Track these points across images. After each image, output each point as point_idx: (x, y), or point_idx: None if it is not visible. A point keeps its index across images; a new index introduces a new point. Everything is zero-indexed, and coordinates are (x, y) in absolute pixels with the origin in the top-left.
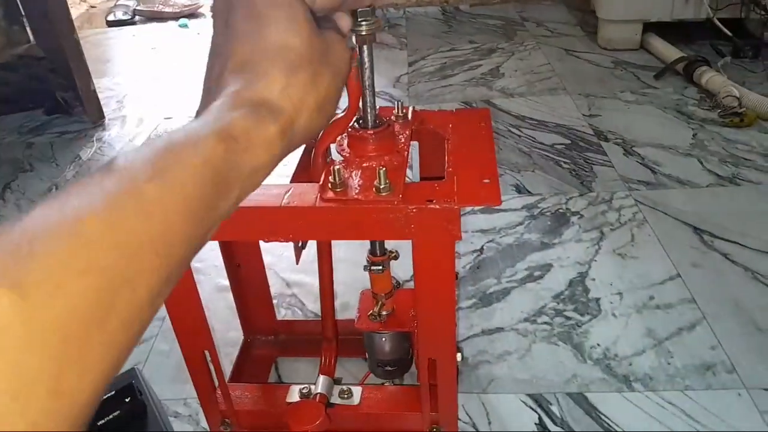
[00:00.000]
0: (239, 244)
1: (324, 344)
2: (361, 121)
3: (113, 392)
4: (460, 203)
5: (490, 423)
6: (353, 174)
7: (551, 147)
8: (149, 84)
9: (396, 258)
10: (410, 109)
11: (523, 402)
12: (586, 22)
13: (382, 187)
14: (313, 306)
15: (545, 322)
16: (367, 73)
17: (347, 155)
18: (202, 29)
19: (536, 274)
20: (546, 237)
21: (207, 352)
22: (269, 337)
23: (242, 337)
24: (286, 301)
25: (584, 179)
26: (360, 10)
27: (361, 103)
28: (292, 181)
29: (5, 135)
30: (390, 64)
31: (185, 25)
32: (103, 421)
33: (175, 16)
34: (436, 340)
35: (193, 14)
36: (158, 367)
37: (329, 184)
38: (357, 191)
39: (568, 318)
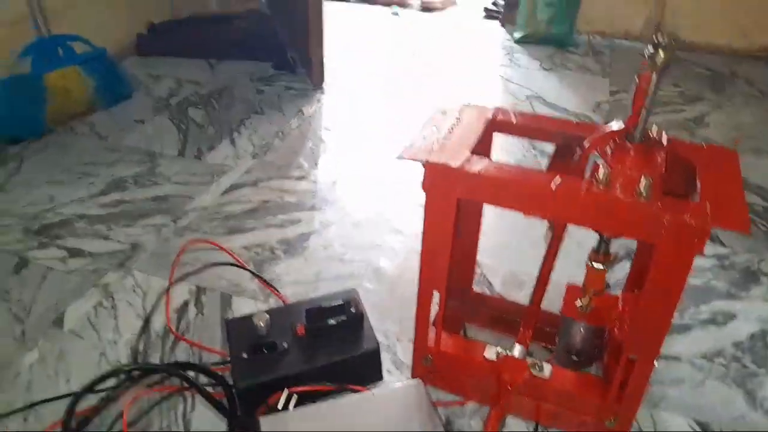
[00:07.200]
0: (467, 217)
1: (524, 318)
2: (627, 135)
3: (342, 301)
4: (713, 223)
5: None
6: (615, 178)
7: (750, 206)
8: (359, 62)
9: (614, 263)
10: (664, 134)
11: (690, 426)
12: None
13: (644, 193)
14: (500, 288)
15: (721, 364)
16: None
17: (609, 162)
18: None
19: (719, 319)
20: (733, 288)
21: (437, 293)
22: (464, 303)
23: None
24: (475, 279)
25: None
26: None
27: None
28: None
29: (239, 78)
30: (591, 90)
31: (396, 14)
32: (333, 322)
33: (388, 2)
34: (644, 341)
35: (402, 4)
36: (363, 301)
37: (595, 180)
38: (620, 191)
39: (745, 366)
